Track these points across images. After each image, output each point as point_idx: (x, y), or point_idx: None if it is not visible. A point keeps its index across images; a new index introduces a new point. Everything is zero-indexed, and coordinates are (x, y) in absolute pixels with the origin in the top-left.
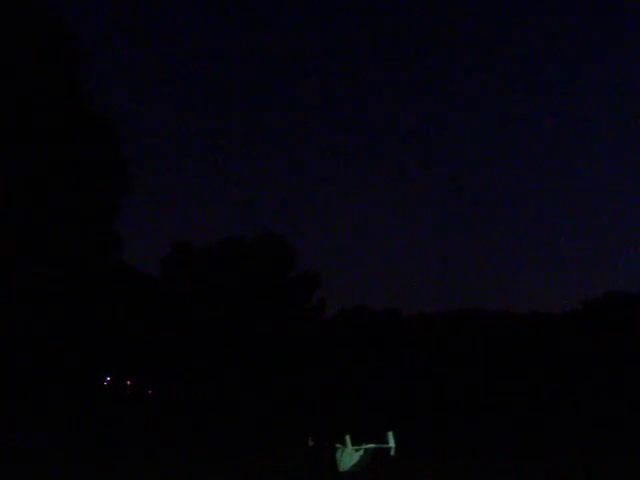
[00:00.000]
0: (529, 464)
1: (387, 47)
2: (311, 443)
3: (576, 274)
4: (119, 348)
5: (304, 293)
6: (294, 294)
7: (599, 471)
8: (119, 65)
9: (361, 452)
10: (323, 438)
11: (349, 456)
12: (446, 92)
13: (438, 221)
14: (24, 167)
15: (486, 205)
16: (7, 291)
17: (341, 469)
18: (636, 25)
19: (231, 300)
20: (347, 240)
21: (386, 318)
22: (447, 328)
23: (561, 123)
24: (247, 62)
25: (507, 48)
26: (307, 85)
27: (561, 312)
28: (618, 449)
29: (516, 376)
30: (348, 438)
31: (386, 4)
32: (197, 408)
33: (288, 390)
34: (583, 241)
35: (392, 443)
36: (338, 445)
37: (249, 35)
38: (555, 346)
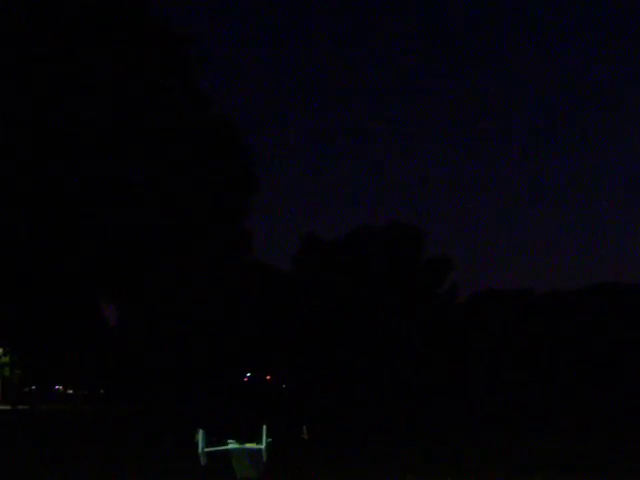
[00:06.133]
0: None
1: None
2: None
3: None
4: (257, 345)
5: (435, 278)
6: (425, 280)
7: None
8: (236, 67)
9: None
10: None
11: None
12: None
13: (567, 195)
14: (153, 170)
15: (620, 181)
16: (156, 292)
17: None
18: None
19: (362, 289)
20: (477, 223)
21: (519, 299)
22: (584, 304)
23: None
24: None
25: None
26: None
27: None
28: None
29: None
30: (201, 434)
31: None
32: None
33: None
34: None
35: (263, 443)
36: (231, 441)
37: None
38: None
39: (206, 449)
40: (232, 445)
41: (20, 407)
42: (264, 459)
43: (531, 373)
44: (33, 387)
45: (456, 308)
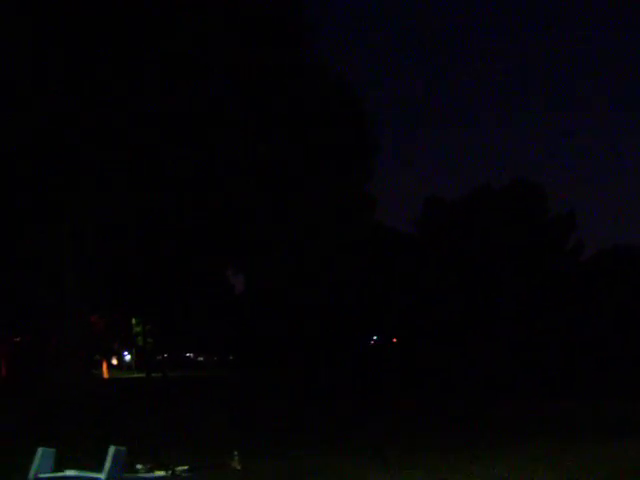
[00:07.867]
0: None
1: None
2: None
3: None
4: (382, 309)
5: (559, 236)
6: (549, 238)
7: None
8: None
9: None
10: None
11: None
12: None
13: None
14: (273, 139)
15: None
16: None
17: None
18: None
19: (486, 248)
20: (601, 177)
21: None
22: None
23: None
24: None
25: None
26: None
27: None
28: None
29: None
30: (40, 453)
31: None
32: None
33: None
34: None
35: (104, 474)
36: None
37: None
38: None
39: (42, 475)
40: (70, 472)
41: (153, 374)
42: None
43: None
44: (165, 355)
45: (581, 266)
